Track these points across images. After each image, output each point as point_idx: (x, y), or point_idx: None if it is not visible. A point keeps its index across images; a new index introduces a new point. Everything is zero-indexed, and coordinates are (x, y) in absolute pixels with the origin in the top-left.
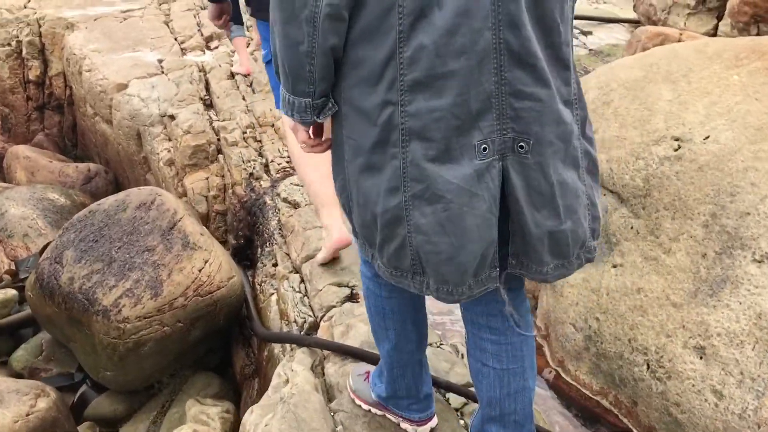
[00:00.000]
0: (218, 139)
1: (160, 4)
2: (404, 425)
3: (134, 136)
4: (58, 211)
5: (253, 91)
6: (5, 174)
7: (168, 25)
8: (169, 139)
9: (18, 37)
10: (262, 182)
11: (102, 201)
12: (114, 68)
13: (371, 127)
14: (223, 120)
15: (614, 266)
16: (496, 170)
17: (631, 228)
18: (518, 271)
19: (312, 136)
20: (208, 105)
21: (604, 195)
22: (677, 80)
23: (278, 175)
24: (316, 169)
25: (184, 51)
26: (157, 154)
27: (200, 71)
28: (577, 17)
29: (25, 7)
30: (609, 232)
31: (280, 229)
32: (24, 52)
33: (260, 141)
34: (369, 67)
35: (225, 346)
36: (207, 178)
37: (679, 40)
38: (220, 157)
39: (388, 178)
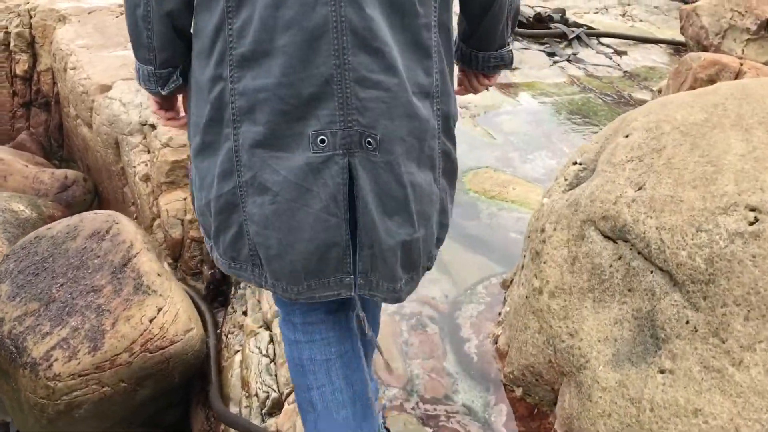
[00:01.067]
0: None
1: None
2: None
3: (112, 144)
4: (21, 224)
5: None
6: None
7: None
8: (148, 151)
9: (7, 28)
10: None
11: (52, 225)
12: (100, 67)
13: (205, 103)
14: None
15: (662, 371)
16: (338, 167)
17: (687, 323)
18: (367, 292)
19: (162, 108)
20: None
21: (651, 272)
22: (752, 128)
23: None
24: None
25: None
26: (134, 167)
27: None
28: (611, 35)
29: None
30: (656, 323)
31: None
32: (12, 44)
33: None
34: (203, 38)
35: (185, 400)
36: (185, 199)
37: (740, 72)
38: None
39: (222, 160)
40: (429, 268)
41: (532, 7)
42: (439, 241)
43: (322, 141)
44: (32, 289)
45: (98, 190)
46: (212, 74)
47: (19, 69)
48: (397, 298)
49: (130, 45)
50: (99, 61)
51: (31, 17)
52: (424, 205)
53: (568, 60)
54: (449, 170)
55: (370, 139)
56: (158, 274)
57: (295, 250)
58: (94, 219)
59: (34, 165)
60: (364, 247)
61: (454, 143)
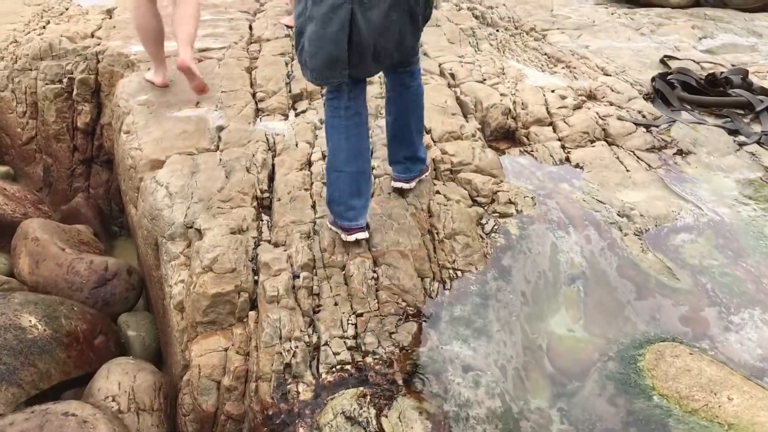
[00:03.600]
0: (255, 281)
1: (250, 44)
2: (342, 235)
3: (152, 244)
4: (24, 351)
5: None
6: (11, 256)
7: (250, 74)
8: (188, 267)
9: (72, 73)
10: (300, 387)
11: (3, 425)
12: (156, 134)
13: None
14: (274, 245)
15: None
16: (346, 10)
17: None
18: (356, 75)
19: None
20: (266, 206)
21: None
22: None
23: (330, 380)
24: (147, 33)
25: (259, 113)
26: (171, 286)
27: (269, 149)
28: None
29: (92, 36)
30: None
31: None
32: (75, 92)
33: (317, 296)
34: None
35: None
36: (225, 351)
37: None
38: (252, 316)
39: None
40: (405, 69)
41: (698, 63)
42: (412, 56)
43: None
44: None
45: (146, 284)
46: None
47: (81, 121)
48: (369, 74)
49: (201, 103)
50: (157, 125)
51: (98, 61)
52: (392, 33)
53: (759, 142)
54: (410, 12)
55: None
56: None
57: (319, 55)
58: (61, 426)
59: (73, 247)
60: (355, 51)
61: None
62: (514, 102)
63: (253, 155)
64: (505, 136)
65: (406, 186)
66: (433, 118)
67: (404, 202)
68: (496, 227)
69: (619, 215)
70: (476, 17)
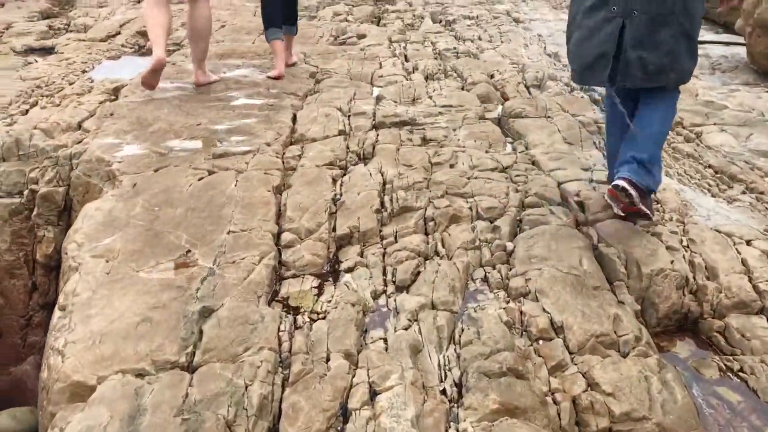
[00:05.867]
0: None
1: (288, 145)
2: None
3: None
4: None
5: None
6: None
7: (277, 197)
8: None
9: (36, 182)
10: None
11: None
12: (97, 325)
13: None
14: None
15: None
16: (616, 22)
17: None
18: (622, 83)
19: None
20: None
21: None
22: None
23: None
24: (154, 19)
25: (280, 273)
26: None
27: (279, 367)
28: None
29: (79, 127)
30: None
31: None
32: (36, 211)
33: None
34: None
35: None
36: None
37: None
38: None
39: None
40: (673, 81)
41: None
42: (673, 70)
43: (614, 9)
44: None
45: None
46: None
47: (41, 252)
48: (634, 85)
49: (194, 252)
50: (106, 301)
51: (72, 168)
52: (660, 46)
53: None
54: (687, 33)
55: (634, 11)
56: None
57: (580, 60)
58: None
59: None
60: (622, 61)
61: (692, 19)
62: (692, 263)
63: (247, 387)
64: (679, 326)
65: (629, 190)
66: (562, 298)
67: None
68: None
69: None
70: (596, 102)
